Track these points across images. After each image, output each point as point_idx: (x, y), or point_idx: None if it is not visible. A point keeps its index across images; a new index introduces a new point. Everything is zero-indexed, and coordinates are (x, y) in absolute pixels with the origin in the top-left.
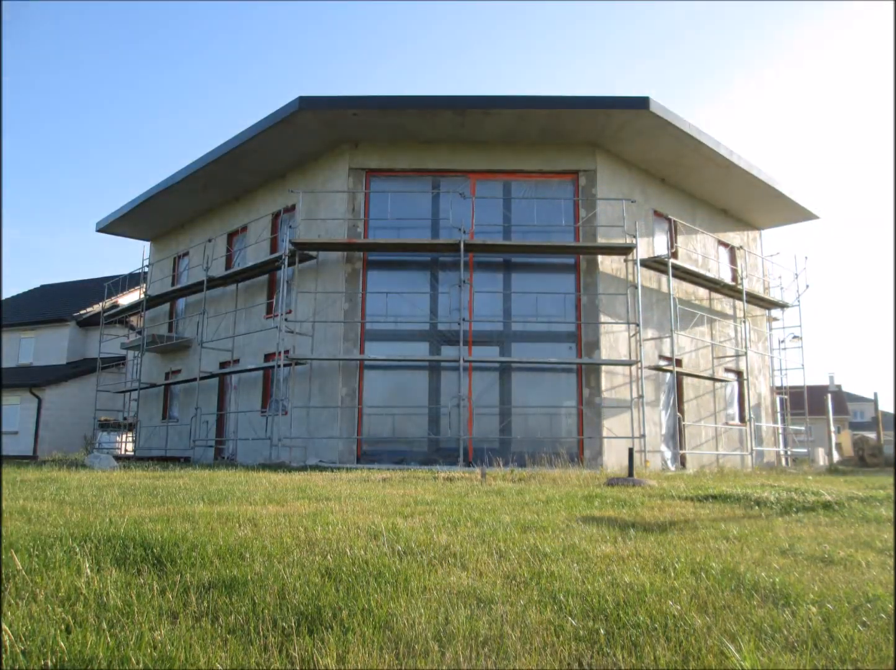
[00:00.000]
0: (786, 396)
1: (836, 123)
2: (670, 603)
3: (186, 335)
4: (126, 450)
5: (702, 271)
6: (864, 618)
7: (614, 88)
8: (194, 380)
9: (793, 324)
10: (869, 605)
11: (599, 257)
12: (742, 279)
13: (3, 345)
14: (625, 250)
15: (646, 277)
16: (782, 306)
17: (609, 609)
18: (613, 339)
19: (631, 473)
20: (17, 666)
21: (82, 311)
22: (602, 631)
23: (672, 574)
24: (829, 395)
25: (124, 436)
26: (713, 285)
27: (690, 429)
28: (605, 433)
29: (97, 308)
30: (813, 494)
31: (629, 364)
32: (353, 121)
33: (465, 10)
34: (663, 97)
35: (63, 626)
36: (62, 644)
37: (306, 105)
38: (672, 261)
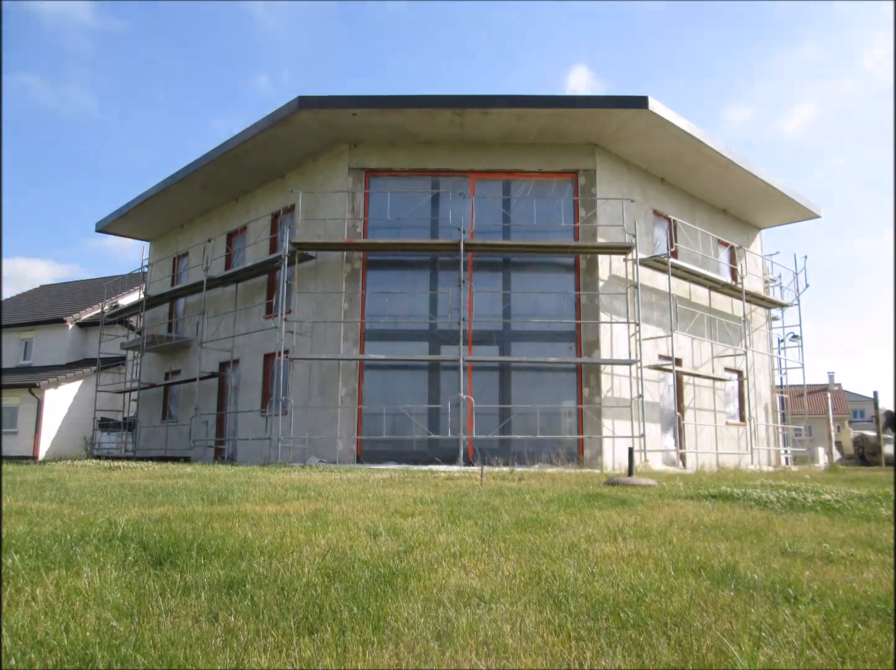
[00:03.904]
0: (786, 395)
1: (836, 122)
2: (670, 602)
3: (186, 335)
4: (126, 450)
5: (701, 270)
6: (863, 617)
7: (614, 88)
8: (194, 380)
9: (792, 323)
10: (867, 603)
11: (599, 257)
12: (742, 278)
13: (3, 345)
14: (624, 250)
15: (645, 277)
16: (782, 305)
17: (609, 609)
18: (613, 339)
19: (631, 472)
20: (17, 667)
21: (82, 312)
22: (602, 631)
23: (672, 574)
24: (829, 394)
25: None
26: (713, 284)
27: (690, 429)
28: (604, 432)
29: (97, 308)
30: (813, 493)
31: (629, 363)
32: (352, 120)
33: (466, 9)
34: (663, 97)
35: (63, 626)
36: (62, 644)
37: (305, 105)
38: (672, 260)
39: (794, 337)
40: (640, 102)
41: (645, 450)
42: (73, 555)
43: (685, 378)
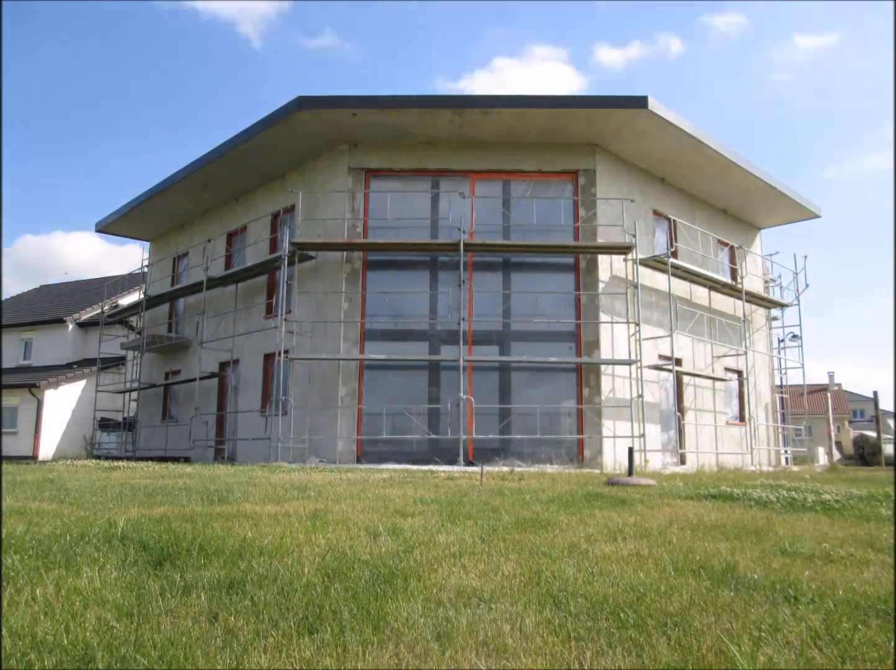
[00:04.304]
0: (786, 395)
1: (836, 122)
2: (670, 602)
3: (186, 335)
4: (126, 450)
5: (701, 270)
6: (863, 617)
7: (614, 88)
8: (194, 380)
9: (792, 323)
10: (867, 604)
11: (599, 257)
12: (742, 278)
13: (3, 345)
14: (624, 250)
15: (645, 277)
16: (782, 305)
17: (609, 609)
18: (613, 339)
19: (631, 472)
20: (17, 667)
21: (82, 312)
22: (602, 631)
23: (672, 574)
24: (829, 394)
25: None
26: (713, 284)
27: (690, 429)
28: (604, 432)
29: (97, 308)
30: (813, 493)
31: (629, 363)
32: (352, 121)
33: (466, 9)
34: (663, 96)
35: (63, 626)
36: (62, 644)
37: (305, 105)
38: (672, 260)
39: (794, 337)
40: (640, 102)
41: (645, 450)
42: (73, 555)
43: (685, 378)
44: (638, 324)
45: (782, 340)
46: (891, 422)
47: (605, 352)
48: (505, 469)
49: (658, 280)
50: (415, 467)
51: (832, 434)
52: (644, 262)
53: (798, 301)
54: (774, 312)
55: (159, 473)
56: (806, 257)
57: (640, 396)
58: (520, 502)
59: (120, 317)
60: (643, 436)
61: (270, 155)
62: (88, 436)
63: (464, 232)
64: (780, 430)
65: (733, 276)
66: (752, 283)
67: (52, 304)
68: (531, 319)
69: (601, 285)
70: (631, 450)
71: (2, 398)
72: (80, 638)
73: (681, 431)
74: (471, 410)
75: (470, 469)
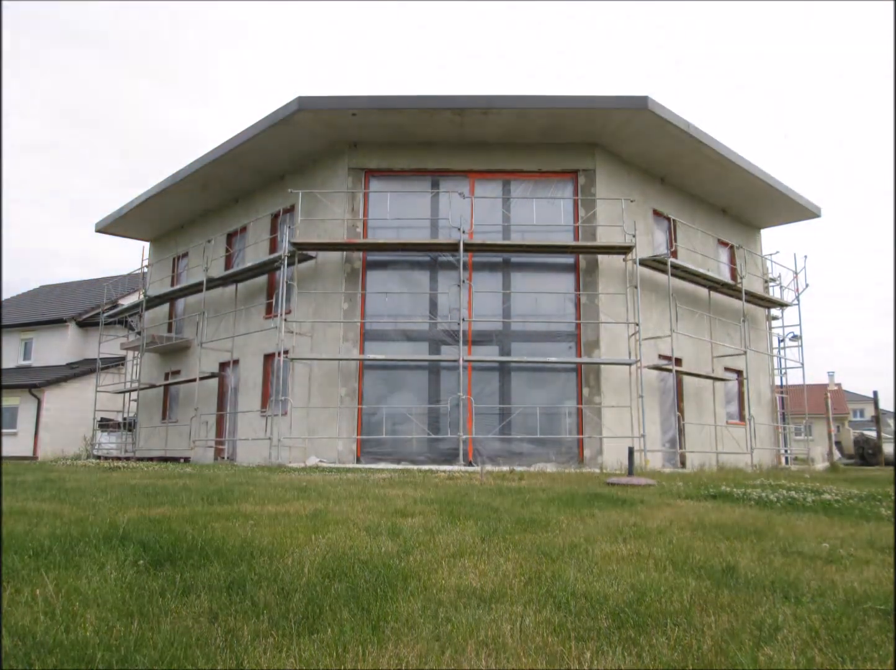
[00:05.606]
0: (786, 395)
1: (836, 123)
2: (670, 602)
3: (186, 335)
4: (126, 451)
5: (701, 270)
6: (863, 617)
7: (614, 88)
8: (194, 380)
9: (792, 323)
10: (868, 604)
11: (599, 256)
12: (741, 278)
13: (3, 345)
14: (624, 249)
15: (645, 276)
16: (782, 305)
17: (609, 609)
18: (613, 339)
19: (631, 472)
20: (16, 667)
21: (82, 312)
22: (602, 631)
23: (672, 573)
24: (829, 394)
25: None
26: (713, 284)
27: (690, 428)
28: (604, 432)
29: (97, 308)
30: (813, 493)
31: (629, 363)
32: (352, 121)
33: (465, 9)
34: (662, 96)
35: (63, 626)
36: (62, 644)
37: (305, 105)
38: (671, 260)
39: (794, 337)
40: (640, 102)
41: (645, 450)
42: (73, 555)
43: (685, 378)
44: (638, 324)
45: (782, 340)
46: (891, 422)
47: (605, 352)
48: (505, 469)
49: (658, 280)
50: (415, 467)
51: (832, 434)
52: (644, 262)
53: (798, 301)
54: (774, 312)
55: (159, 473)
56: (806, 257)
57: (640, 396)
58: (520, 502)
59: (120, 318)
60: (643, 436)
61: (270, 155)
62: (88, 436)
63: (464, 232)
64: (780, 430)
65: (733, 276)
66: (752, 283)
67: (52, 304)
68: (531, 319)
69: (601, 285)
70: (631, 450)
71: (2, 398)
72: (80, 638)
73: (681, 431)
74: (471, 410)
75: (470, 469)
